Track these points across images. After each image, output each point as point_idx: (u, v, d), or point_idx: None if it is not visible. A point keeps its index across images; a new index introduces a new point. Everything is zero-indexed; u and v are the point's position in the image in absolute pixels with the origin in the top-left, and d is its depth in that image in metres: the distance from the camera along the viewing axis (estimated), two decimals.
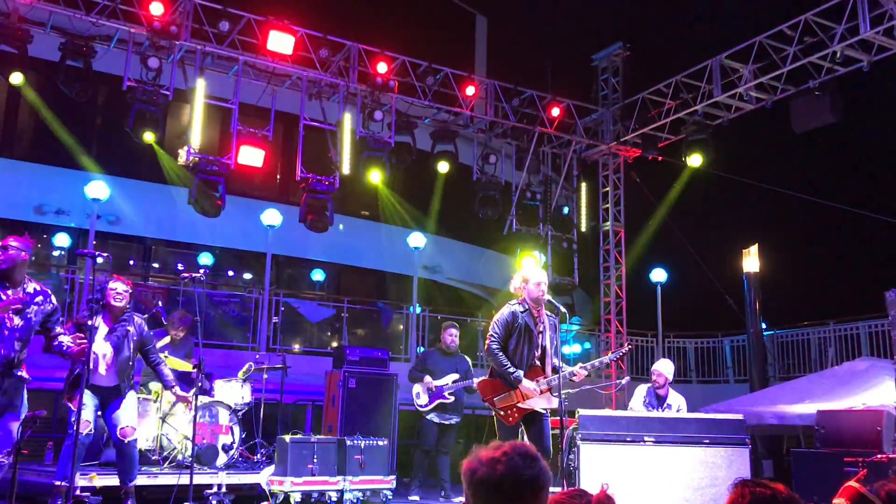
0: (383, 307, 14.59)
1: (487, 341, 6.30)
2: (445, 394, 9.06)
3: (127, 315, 6.72)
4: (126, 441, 6.54)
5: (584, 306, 19.26)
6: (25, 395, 5.58)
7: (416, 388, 9.14)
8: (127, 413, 6.59)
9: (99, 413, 6.61)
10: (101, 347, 6.53)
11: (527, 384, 6.12)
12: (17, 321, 5.44)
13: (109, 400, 6.57)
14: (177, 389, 7.06)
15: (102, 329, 6.55)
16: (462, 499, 8.13)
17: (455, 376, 9.12)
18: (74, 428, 5.98)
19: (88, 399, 6.34)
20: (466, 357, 9.54)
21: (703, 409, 10.53)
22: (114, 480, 6.89)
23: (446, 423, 9.12)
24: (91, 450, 7.16)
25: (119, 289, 6.64)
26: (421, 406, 9.07)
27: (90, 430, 6.41)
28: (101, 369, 6.52)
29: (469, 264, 18.93)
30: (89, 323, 6.10)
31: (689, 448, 6.95)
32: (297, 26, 11.91)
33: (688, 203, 15.25)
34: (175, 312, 9.05)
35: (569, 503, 2.52)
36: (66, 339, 5.70)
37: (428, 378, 9.08)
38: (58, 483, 6.31)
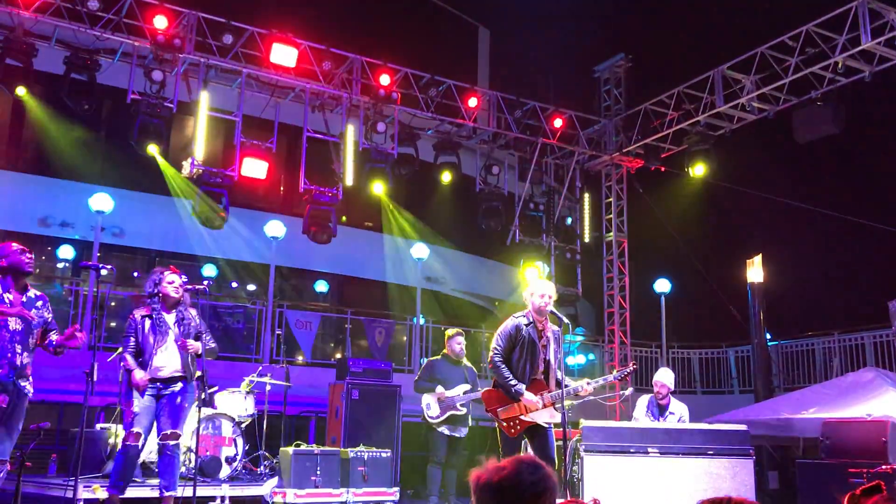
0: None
1: (491, 354, 6.28)
2: (458, 405, 8.58)
3: (182, 306, 6.64)
4: (165, 444, 6.37)
5: (588, 317, 19.22)
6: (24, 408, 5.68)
7: (427, 398, 8.62)
8: (172, 414, 6.40)
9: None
10: (171, 337, 6.49)
11: (529, 397, 6.10)
12: (15, 325, 5.56)
13: (165, 393, 6.41)
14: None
15: (168, 319, 6.53)
16: None
17: (466, 387, 8.67)
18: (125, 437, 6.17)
19: (146, 404, 6.32)
20: (472, 365, 9.12)
21: (707, 420, 10.50)
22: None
23: (456, 435, 8.64)
24: (92, 461, 7.15)
25: (176, 281, 6.59)
26: (432, 417, 8.54)
27: (142, 441, 6.32)
28: (170, 361, 6.44)
29: (472, 275, 18.92)
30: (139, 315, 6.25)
31: (693, 459, 6.95)
32: (301, 39, 11.97)
33: (691, 213, 15.24)
34: None
35: None
36: (54, 336, 5.79)
37: (440, 388, 8.57)
38: (112, 493, 6.30)
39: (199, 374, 6.60)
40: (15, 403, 5.55)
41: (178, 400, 6.45)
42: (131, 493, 7.07)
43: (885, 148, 16.29)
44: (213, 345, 6.77)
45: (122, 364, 6.59)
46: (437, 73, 13.09)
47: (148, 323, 6.47)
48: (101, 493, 6.90)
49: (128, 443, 6.24)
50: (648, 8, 19.30)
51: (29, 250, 5.83)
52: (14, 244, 5.80)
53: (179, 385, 6.47)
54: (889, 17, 10.59)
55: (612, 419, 12.09)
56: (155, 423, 6.45)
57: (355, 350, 14.53)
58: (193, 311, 6.73)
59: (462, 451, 8.90)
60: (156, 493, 6.93)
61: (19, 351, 5.57)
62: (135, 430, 6.24)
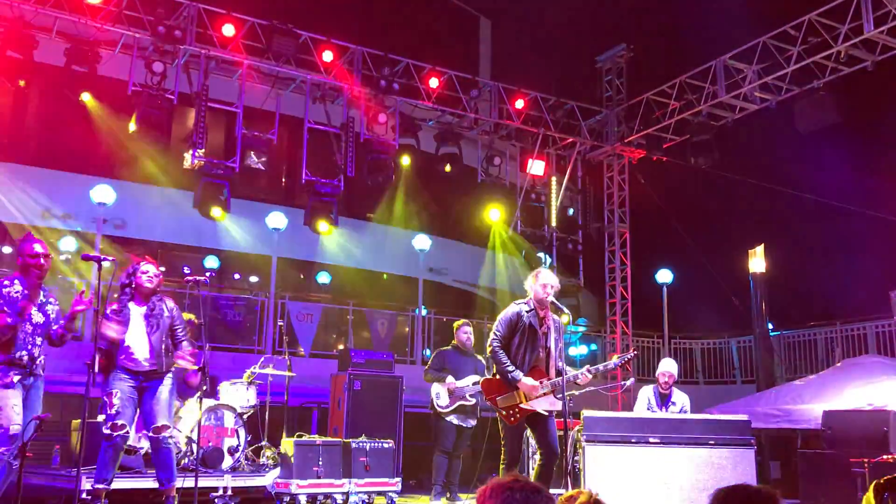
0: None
1: (490, 339, 6.27)
2: (467, 395, 8.59)
3: (157, 297, 6.54)
4: (160, 437, 6.29)
5: (590, 308, 19.22)
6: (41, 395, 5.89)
7: (437, 388, 8.64)
8: (161, 407, 6.33)
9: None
10: (139, 328, 6.35)
11: (526, 382, 6.07)
12: (39, 318, 5.86)
13: (147, 386, 6.34)
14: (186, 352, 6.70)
15: (136, 311, 6.40)
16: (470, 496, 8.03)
17: (476, 377, 8.66)
18: (107, 428, 6.11)
19: (125, 393, 6.22)
20: (482, 358, 9.08)
21: (709, 410, 10.51)
22: (121, 484, 6.91)
23: (465, 426, 8.66)
24: (95, 452, 7.15)
25: (151, 271, 6.49)
26: (441, 407, 8.56)
27: (125, 432, 6.22)
28: (141, 352, 6.32)
29: (474, 266, 18.91)
30: (114, 308, 6.25)
31: (695, 449, 6.94)
32: (301, 30, 11.95)
33: (693, 203, 15.22)
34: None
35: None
36: (54, 326, 5.90)
37: (450, 378, 8.59)
38: (97, 486, 6.20)
39: (197, 366, 6.60)
40: (34, 394, 5.81)
41: (162, 392, 6.37)
42: (134, 484, 7.10)
43: (887, 137, 16.24)
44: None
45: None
46: (438, 64, 13.06)
47: (114, 318, 6.31)
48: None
49: (114, 433, 6.12)
50: None
51: (46, 250, 5.91)
52: (35, 245, 5.92)
53: (157, 377, 6.37)
54: (892, 6, 10.54)
55: (613, 409, 12.11)
56: (139, 416, 6.40)
57: (357, 341, 14.55)
58: (171, 303, 6.61)
59: (468, 441, 8.92)
60: (156, 485, 6.92)
61: (39, 343, 5.84)
62: (120, 421, 6.14)
